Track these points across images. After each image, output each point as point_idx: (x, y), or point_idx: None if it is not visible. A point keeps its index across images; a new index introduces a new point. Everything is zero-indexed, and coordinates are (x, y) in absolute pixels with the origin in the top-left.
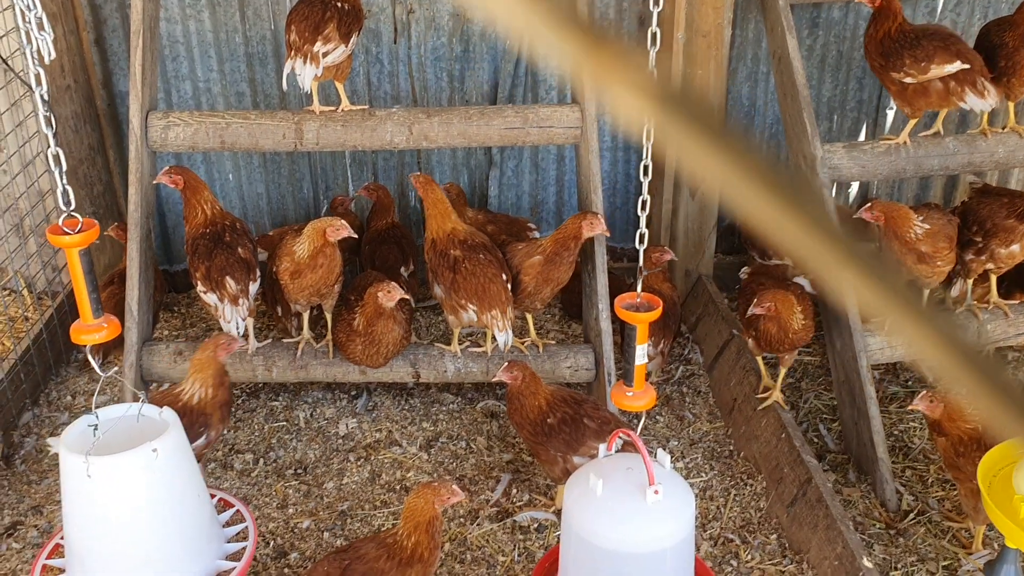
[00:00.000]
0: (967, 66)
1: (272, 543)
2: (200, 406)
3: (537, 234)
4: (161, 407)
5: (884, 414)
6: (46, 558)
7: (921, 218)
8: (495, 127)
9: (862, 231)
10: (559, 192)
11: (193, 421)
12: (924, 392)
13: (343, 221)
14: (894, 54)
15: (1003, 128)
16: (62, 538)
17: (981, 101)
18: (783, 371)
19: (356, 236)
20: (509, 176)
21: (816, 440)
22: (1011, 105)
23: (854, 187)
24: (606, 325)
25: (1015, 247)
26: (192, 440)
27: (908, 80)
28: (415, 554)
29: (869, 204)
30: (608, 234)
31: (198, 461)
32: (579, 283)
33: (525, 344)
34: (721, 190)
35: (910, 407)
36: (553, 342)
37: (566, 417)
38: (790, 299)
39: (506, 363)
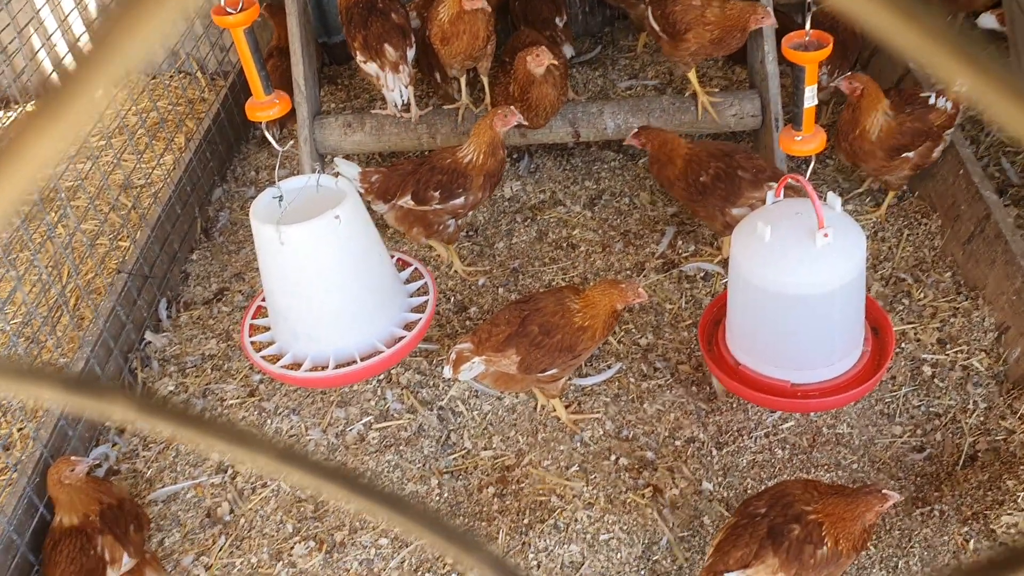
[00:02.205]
0: None
1: (452, 299)
2: (467, 168)
3: None
4: (448, 157)
5: None
6: (251, 318)
7: None
8: None
9: None
10: None
11: (454, 180)
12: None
13: None
14: None
15: None
16: (263, 300)
17: None
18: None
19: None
20: None
21: (997, 175)
22: None
23: None
24: (773, 68)
25: None
26: (449, 199)
27: None
28: (587, 330)
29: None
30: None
31: (455, 219)
32: None
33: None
34: None
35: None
36: (717, 89)
37: (719, 172)
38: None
39: (636, 127)
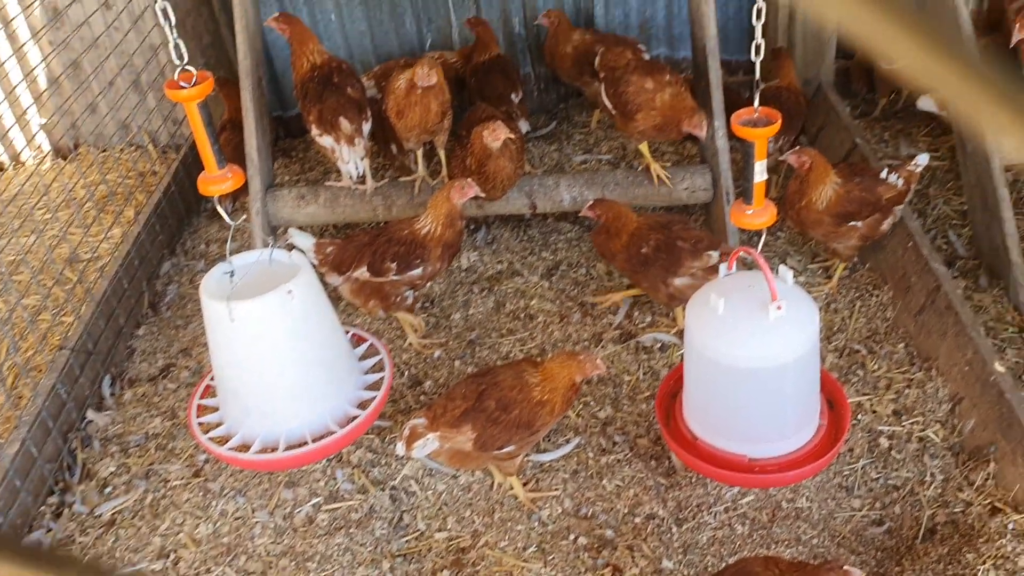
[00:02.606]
0: None
1: (407, 373)
2: (425, 239)
3: (647, 55)
4: (405, 228)
5: (1018, 216)
6: (200, 398)
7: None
8: None
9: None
10: (668, 6)
11: (412, 251)
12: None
13: (432, 66)
14: None
15: None
16: (212, 379)
17: None
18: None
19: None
20: None
21: (945, 247)
22: None
23: None
24: (723, 143)
25: None
26: (406, 270)
27: None
28: (545, 404)
29: (797, 149)
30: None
31: (413, 290)
32: None
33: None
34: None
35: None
36: (668, 164)
37: (660, 243)
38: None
39: (592, 200)
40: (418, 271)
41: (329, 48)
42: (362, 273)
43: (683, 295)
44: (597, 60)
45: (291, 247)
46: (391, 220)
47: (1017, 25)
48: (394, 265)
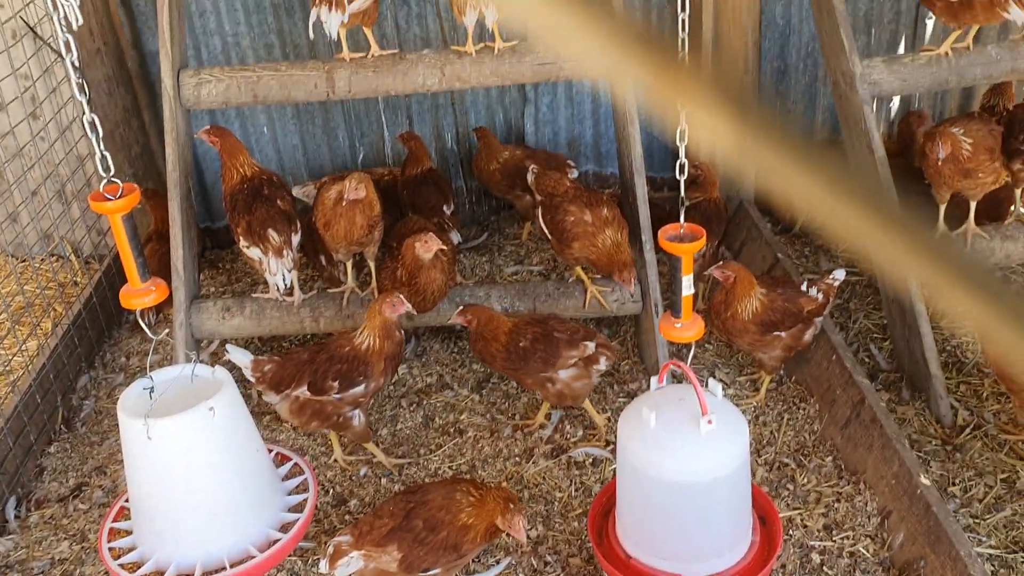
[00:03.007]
0: None
1: (332, 491)
2: (366, 354)
3: (575, 171)
4: (345, 344)
5: (935, 330)
6: (112, 521)
7: (960, 130)
8: (527, 64)
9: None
10: (596, 125)
11: (354, 367)
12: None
13: (361, 180)
14: None
15: None
16: (127, 500)
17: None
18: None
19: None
20: (544, 112)
21: (867, 360)
22: None
23: (895, 102)
24: (651, 256)
25: None
26: (350, 387)
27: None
28: (471, 529)
29: (720, 264)
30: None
31: (356, 408)
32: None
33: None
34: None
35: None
36: (599, 275)
37: (537, 335)
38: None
39: (460, 307)
40: (361, 388)
41: (261, 161)
42: (302, 392)
43: (573, 391)
44: (532, 180)
45: (216, 364)
46: (332, 334)
47: (938, 144)
48: (336, 383)
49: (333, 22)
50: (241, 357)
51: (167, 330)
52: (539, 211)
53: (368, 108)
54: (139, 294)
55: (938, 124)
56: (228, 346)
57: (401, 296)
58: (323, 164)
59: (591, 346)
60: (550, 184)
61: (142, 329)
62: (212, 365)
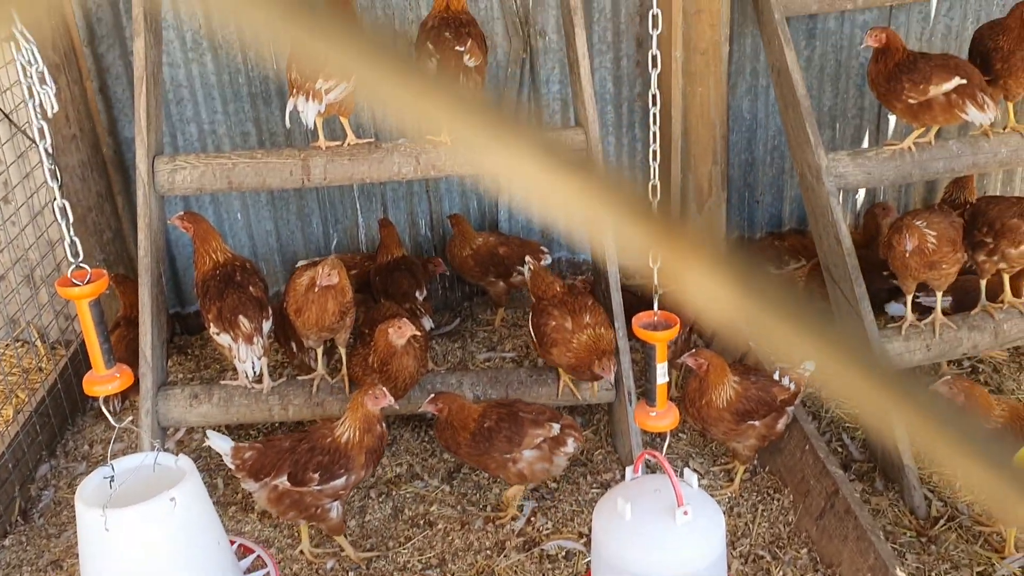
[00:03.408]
0: (965, 81)
1: None
2: (347, 447)
3: (549, 258)
4: (327, 435)
5: None
6: None
7: (924, 223)
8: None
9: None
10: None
11: (336, 460)
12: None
13: (334, 267)
14: (894, 79)
15: (1004, 129)
16: None
17: (981, 114)
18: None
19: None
20: (518, 199)
21: (840, 450)
22: (1010, 106)
23: (860, 194)
24: (624, 344)
25: None
26: (331, 479)
27: (911, 101)
28: None
29: (693, 352)
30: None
31: (336, 501)
32: None
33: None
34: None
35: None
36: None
37: (502, 415)
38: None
39: (432, 395)
40: (341, 480)
41: (234, 247)
42: (282, 482)
43: (533, 473)
44: (528, 277)
45: (207, 449)
46: (314, 424)
47: (905, 236)
48: (316, 475)
49: (310, 112)
50: (221, 443)
51: (131, 417)
52: (530, 316)
53: (343, 195)
54: (103, 380)
55: (902, 216)
56: (209, 432)
57: (384, 389)
58: (296, 250)
59: (556, 427)
60: (541, 287)
61: (106, 417)
62: (177, 453)
